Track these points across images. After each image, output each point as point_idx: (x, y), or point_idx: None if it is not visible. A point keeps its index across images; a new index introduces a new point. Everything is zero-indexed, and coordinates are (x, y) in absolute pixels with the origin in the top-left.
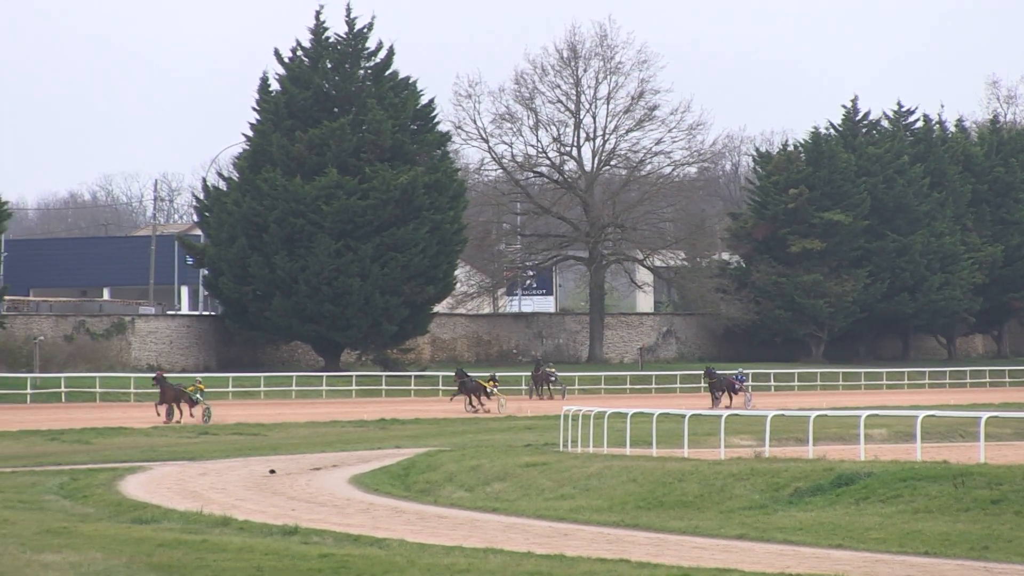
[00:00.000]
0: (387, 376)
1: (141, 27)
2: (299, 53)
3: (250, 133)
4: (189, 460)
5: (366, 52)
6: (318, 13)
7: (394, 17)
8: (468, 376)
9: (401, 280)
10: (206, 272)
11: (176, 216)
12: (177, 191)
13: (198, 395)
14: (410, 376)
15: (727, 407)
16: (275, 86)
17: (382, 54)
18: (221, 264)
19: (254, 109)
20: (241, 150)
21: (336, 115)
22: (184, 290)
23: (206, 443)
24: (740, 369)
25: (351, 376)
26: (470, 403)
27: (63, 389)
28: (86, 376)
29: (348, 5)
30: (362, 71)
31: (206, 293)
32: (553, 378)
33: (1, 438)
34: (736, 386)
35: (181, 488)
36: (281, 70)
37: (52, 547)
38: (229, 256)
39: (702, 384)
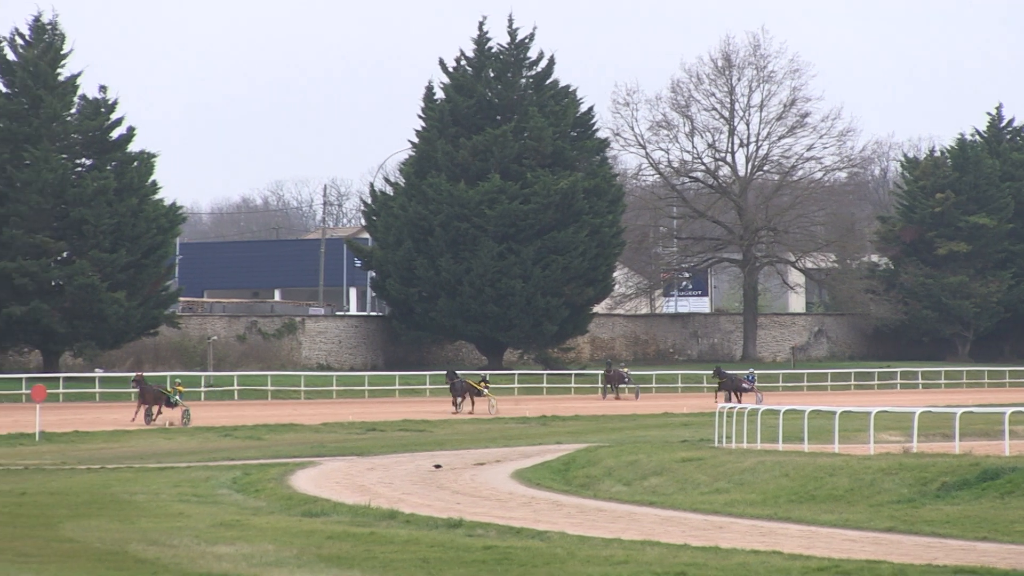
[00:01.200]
0: (548, 374)
1: (310, 39)
2: (463, 63)
3: (416, 140)
4: (357, 455)
5: (527, 61)
6: (481, 24)
7: (555, 28)
8: (458, 377)
9: (561, 282)
10: (373, 274)
11: (344, 220)
12: (346, 196)
13: (176, 397)
14: (570, 374)
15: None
16: (440, 95)
17: (543, 63)
18: (388, 266)
19: (420, 117)
20: (407, 156)
21: (499, 122)
22: (352, 291)
23: (373, 439)
24: (751, 370)
25: (513, 374)
26: (462, 403)
27: (236, 387)
28: (258, 375)
29: (510, 16)
30: (524, 80)
31: (373, 294)
32: (627, 379)
33: (178, 434)
34: (745, 386)
35: (349, 482)
36: (446, 79)
37: (225, 539)
38: (396, 259)
39: (733, 382)
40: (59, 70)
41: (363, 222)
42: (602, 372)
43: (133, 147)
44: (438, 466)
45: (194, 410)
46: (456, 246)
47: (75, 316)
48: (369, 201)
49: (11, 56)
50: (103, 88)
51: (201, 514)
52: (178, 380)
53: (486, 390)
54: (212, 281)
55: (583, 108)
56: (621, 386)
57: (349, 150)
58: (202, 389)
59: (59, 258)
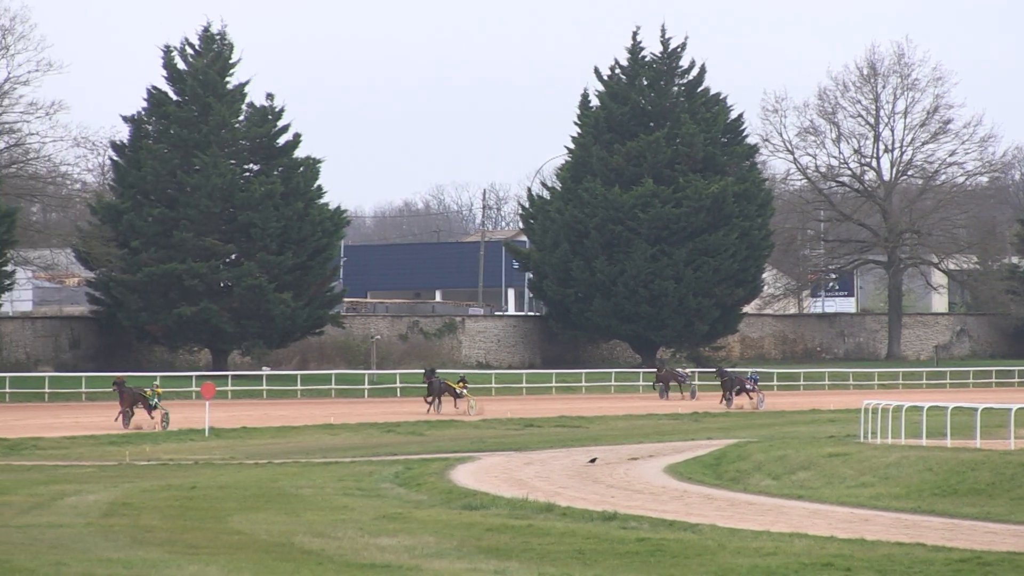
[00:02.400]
0: (699, 372)
1: (471, 50)
2: (617, 71)
3: (572, 146)
4: (515, 451)
5: (679, 70)
6: (635, 34)
7: (706, 37)
8: (436, 377)
9: (712, 283)
10: (531, 275)
11: (503, 223)
12: (504, 200)
13: (155, 400)
14: None
15: (740, 407)
16: (595, 102)
17: (694, 72)
18: (545, 268)
19: (575, 123)
20: (563, 161)
21: (652, 129)
22: (510, 292)
23: (531, 435)
24: (754, 370)
25: None
26: (436, 404)
27: (398, 384)
28: (419, 372)
29: (663, 27)
30: (676, 88)
31: (530, 295)
32: (683, 378)
33: (342, 430)
34: (748, 385)
35: (507, 476)
36: (601, 87)
37: (388, 531)
38: (552, 260)
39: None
40: (227, 79)
41: (521, 225)
42: (655, 372)
43: (299, 153)
44: (593, 460)
45: (360, 406)
46: (611, 248)
47: (243, 316)
48: (527, 205)
49: (181, 65)
50: (270, 96)
51: (365, 507)
52: (156, 383)
53: (464, 390)
54: (375, 282)
55: (733, 115)
56: (673, 384)
57: (507, 156)
58: (365, 387)
59: (228, 260)
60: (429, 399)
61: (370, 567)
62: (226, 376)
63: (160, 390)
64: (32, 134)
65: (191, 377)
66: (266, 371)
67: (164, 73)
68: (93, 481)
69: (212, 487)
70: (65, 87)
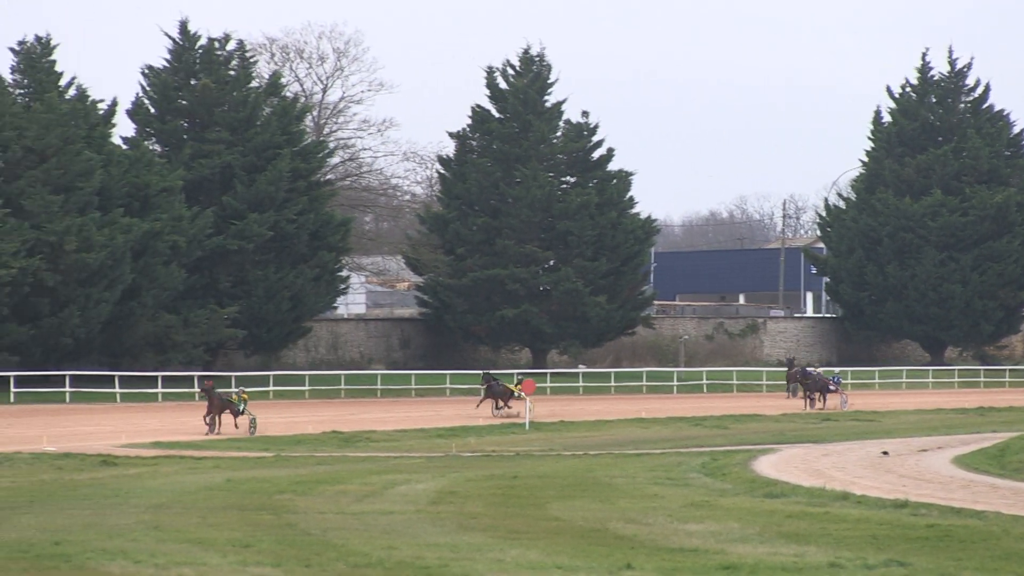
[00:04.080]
0: (984, 369)
1: (769, 73)
2: (907, 89)
3: (865, 159)
4: (813, 443)
5: (965, 88)
6: (924, 55)
7: (990, 57)
8: (495, 380)
9: (996, 286)
10: (827, 280)
11: (801, 231)
12: (802, 209)
13: (242, 405)
14: (1005, 369)
15: (821, 408)
16: (886, 118)
17: (979, 90)
18: (840, 273)
19: (868, 138)
20: (857, 174)
21: (939, 143)
22: (808, 295)
23: (828, 428)
24: (837, 371)
25: (953, 370)
26: (496, 407)
27: (704, 381)
28: (724, 370)
29: (950, 48)
30: (962, 104)
31: (827, 298)
32: (837, 378)
33: (652, 424)
34: (831, 387)
35: (806, 467)
36: (892, 104)
37: (695, 518)
38: (848, 266)
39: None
40: (546, 97)
41: (818, 233)
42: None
43: (612, 166)
44: (885, 452)
45: (669, 402)
46: (902, 254)
47: (561, 318)
48: (824, 214)
49: (503, 85)
50: (585, 113)
51: (673, 495)
52: (242, 389)
53: (521, 392)
54: (683, 286)
55: (1015, 129)
56: (793, 385)
57: (805, 168)
58: (674, 383)
59: (547, 266)
60: (496, 403)
61: (679, 551)
62: (545, 373)
63: (246, 396)
64: (365, 149)
65: (512, 375)
66: (582, 369)
67: (487, 92)
68: (422, 471)
69: (532, 476)
70: (395, 105)
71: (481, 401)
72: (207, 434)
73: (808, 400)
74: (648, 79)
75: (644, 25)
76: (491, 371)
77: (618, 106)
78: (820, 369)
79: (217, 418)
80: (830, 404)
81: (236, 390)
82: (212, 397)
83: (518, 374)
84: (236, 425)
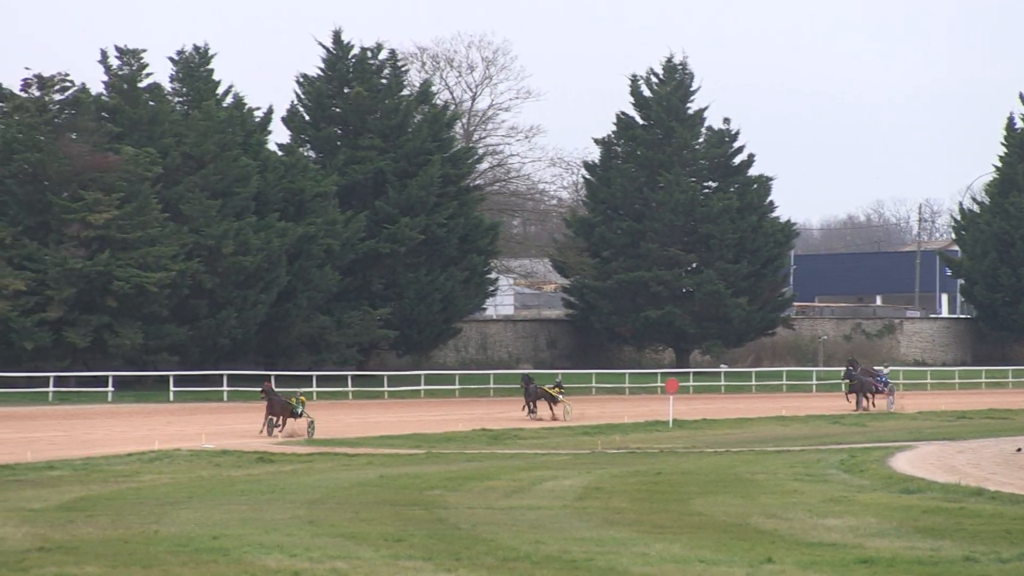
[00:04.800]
0: None
1: (902, 81)
2: None
3: (999, 164)
4: (947, 440)
5: None
6: None
7: None
8: (533, 383)
9: None
10: (962, 282)
11: (936, 234)
12: (937, 213)
13: (300, 408)
14: None
15: (866, 408)
16: (1019, 124)
17: None
18: (975, 275)
19: (1001, 143)
20: (991, 178)
21: None
22: (943, 296)
23: (962, 426)
24: (885, 372)
25: None
26: (532, 409)
27: (842, 380)
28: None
29: None
30: None
31: (962, 299)
32: (884, 378)
33: (792, 421)
34: (878, 387)
35: (941, 464)
36: (1023, 109)
37: (834, 513)
38: (982, 268)
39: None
40: (688, 104)
41: (953, 236)
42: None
43: (752, 171)
44: (1019, 450)
45: (808, 400)
46: None
47: (703, 319)
48: (958, 218)
49: (647, 93)
50: (726, 120)
51: (812, 491)
52: (299, 392)
53: (561, 395)
54: (822, 288)
55: None
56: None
57: (940, 173)
58: (813, 383)
59: (689, 268)
60: (528, 405)
61: (818, 545)
62: (688, 372)
63: (304, 399)
64: (513, 155)
65: (656, 374)
66: (724, 368)
67: (631, 100)
68: (568, 467)
69: (675, 473)
70: (542, 113)
71: (525, 404)
72: (260, 432)
73: (857, 400)
74: (787, 85)
75: (782, 32)
76: (528, 372)
77: (758, 111)
78: (886, 369)
79: (278, 420)
80: (878, 405)
81: (295, 392)
82: (272, 399)
83: (558, 376)
84: (287, 425)
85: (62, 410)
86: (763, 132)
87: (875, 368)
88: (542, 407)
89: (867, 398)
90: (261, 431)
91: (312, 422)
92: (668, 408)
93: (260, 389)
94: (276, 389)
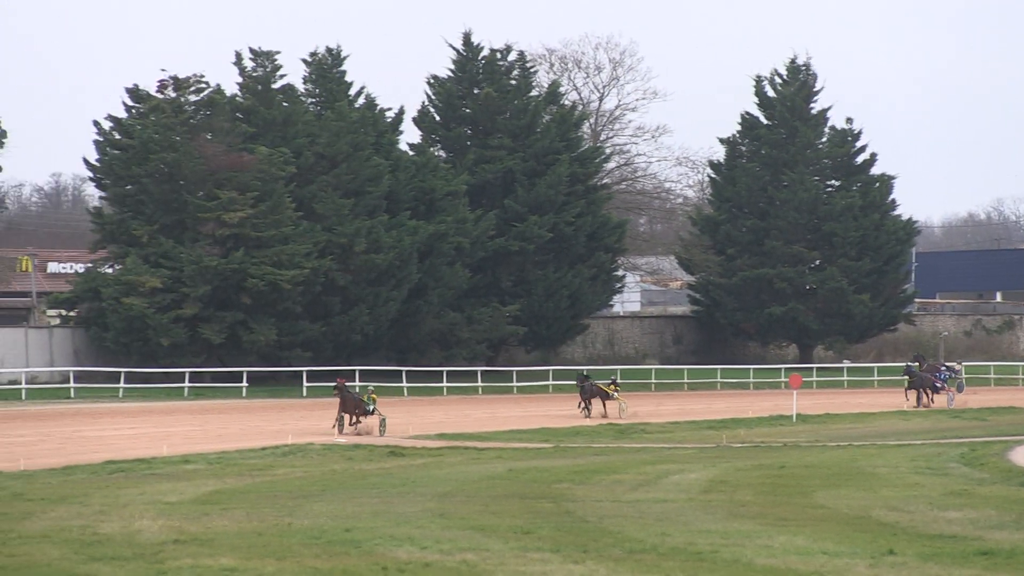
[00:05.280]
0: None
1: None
2: None
3: None
4: None
5: None
6: None
7: None
8: (589, 380)
9: None
10: None
11: None
12: None
13: (372, 405)
14: None
15: (926, 405)
16: None
17: None
18: None
19: None
20: None
21: None
22: None
23: None
24: (945, 366)
25: None
26: (586, 407)
27: (962, 377)
28: (982, 364)
29: None
30: None
31: None
32: (944, 375)
33: (913, 415)
34: (937, 384)
35: None
36: None
37: (954, 506)
38: None
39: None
40: (812, 104)
41: None
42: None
43: (875, 170)
44: None
45: (938, 396)
46: None
47: (826, 315)
48: None
49: (771, 93)
50: (849, 120)
51: (933, 484)
52: (371, 388)
53: (616, 393)
54: (943, 284)
55: None
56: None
57: None
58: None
59: (812, 265)
60: (584, 403)
61: (938, 537)
62: (811, 368)
63: (375, 396)
64: (639, 155)
65: (780, 369)
66: (846, 363)
67: (756, 100)
68: (693, 461)
69: (798, 466)
70: (668, 113)
71: (581, 402)
72: (333, 427)
73: (917, 397)
74: (909, 84)
75: (905, 31)
76: (584, 369)
77: (880, 110)
78: (959, 365)
79: (349, 416)
80: (937, 402)
81: (367, 387)
82: (345, 395)
83: (615, 374)
84: (359, 423)
85: (197, 405)
86: (885, 130)
87: (946, 364)
88: (596, 404)
89: (926, 394)
90: (333, 427)
91: (384, 420)
92: (792, 403)
93: (333, 385)
94: (414, 385)
